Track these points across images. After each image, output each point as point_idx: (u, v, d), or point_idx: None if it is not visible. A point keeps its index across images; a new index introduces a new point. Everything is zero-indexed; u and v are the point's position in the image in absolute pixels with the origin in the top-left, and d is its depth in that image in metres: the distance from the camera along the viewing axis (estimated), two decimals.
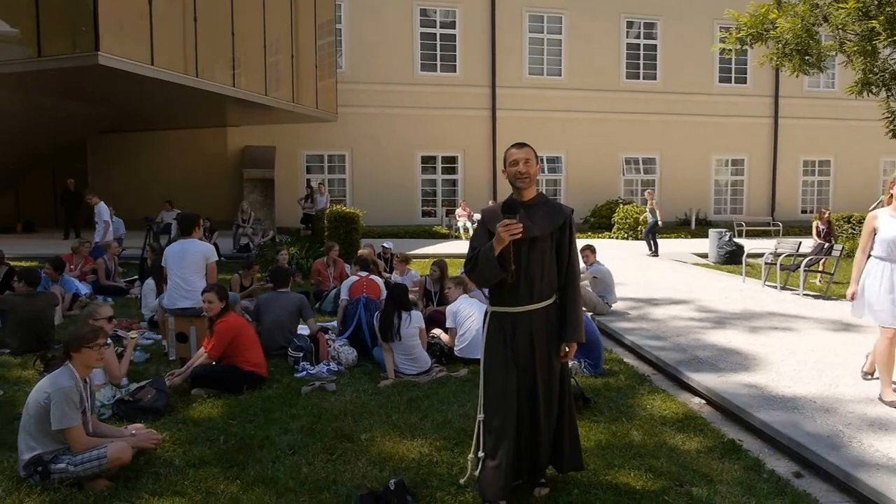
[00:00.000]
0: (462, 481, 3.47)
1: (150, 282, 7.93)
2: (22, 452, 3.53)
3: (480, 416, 3.30)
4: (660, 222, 16.18)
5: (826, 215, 12.40)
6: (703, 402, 5.19)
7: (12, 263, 9.23)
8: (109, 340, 4.47)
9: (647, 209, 16.21)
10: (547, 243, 3.26)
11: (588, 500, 3.45)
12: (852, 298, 5.06)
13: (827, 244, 10.56)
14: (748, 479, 3.75)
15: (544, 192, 19.06)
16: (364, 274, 7.31)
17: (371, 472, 3.77)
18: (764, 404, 4.76)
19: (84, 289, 8.93)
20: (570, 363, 5.74)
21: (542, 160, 22.54)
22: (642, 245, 16.69)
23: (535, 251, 3.23)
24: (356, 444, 4.20)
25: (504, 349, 3.27)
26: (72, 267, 9.84)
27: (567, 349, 3.36)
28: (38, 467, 3.46)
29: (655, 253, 15.70)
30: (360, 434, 4.35)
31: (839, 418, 4.47)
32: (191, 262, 5.84)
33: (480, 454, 3.28)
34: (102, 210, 11.09)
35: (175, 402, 4.86)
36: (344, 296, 7.13)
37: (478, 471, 3.29)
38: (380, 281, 7.37)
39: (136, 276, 10.64)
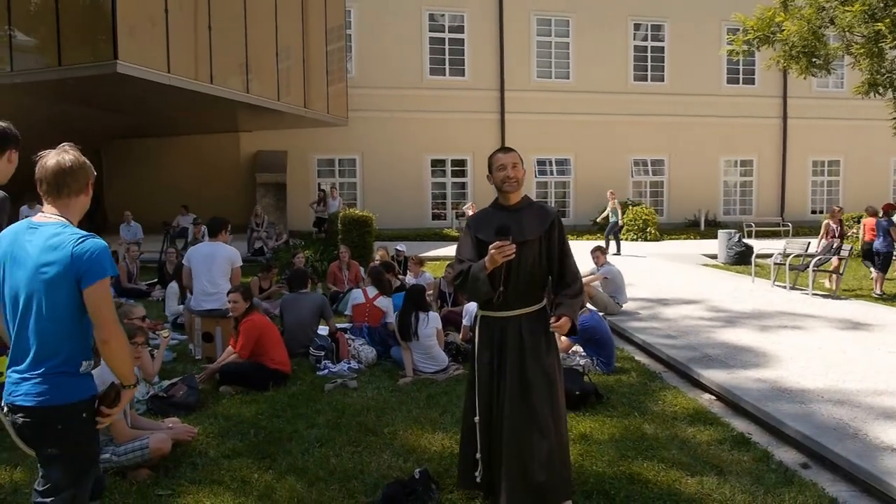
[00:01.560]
0: (478, 479, 3.35)
1: (173, 285, 8.16)
2: None
3: (477, 419, 3.31)
4: (620, 222, 16.44)
5: (839, 213, 12.32)
6: (714, 398, 5.36)
7: None
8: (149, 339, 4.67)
9: (609, 209, 16.47)
10: (536, 246, 3.26)
11: (603, 488, 3.62)
12: None
13: (836, 243, 10.63)
14: (757, 470, 3.91)
15: (553, 194, 18.97)
16: (372, 294, 6.95)
17: (396, 462, 3.96)
18: (773, 399, 4.92)
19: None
20: (584, 361, 5.95)
21: (550, 163, 22.74)
22: (652, 246, 16.75)
23: (525, 255, 3.20)
24: (380, 437, 4.39)
25: (492, 355, 3.27)
26: None
27: (557, 322, 3.20)
28: None
29: (618, 252, 15.94)
30: (383, 428, 4.54)
31: (846, 411, 4.63)
32: (218, 265, 6.06)
33: (478, 455, 3.31)
34: None
35: (205, 399, 5.08)
36: (347, 311, 7.19)
37: (478, 471, 3.33)
38: (387, 304, 6.94)
39: (156, 280, 10.88)
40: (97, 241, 2.28)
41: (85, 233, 2.30)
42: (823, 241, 11.75)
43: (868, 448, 3.97)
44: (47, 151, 2.37)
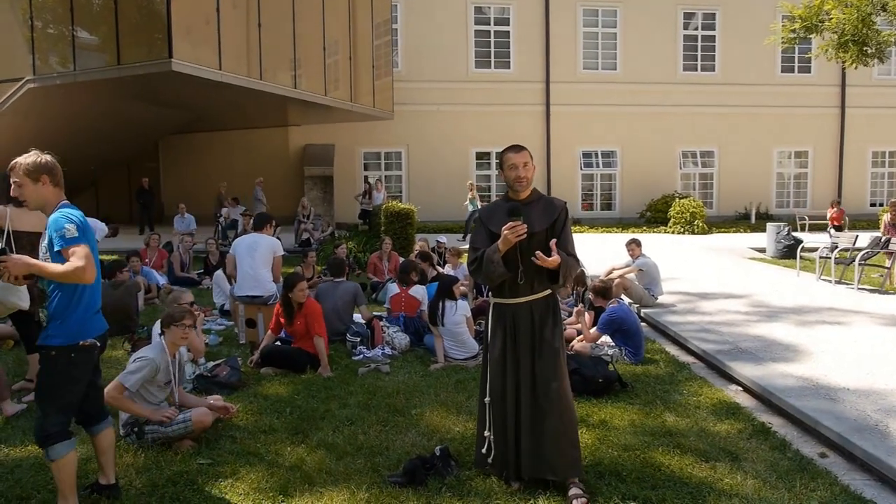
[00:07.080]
0: (490, 460, 3.57)
1: (220, 273, 8.60)
2: (121, 415, 4.09)
3: (487, 399, 3.54)
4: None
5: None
6: (740, 388, 5.39)
7: None
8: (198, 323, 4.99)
9: (468, 199, 17.50)
10: (545, 237, 3.42)
11: (616, 469, 3.76)
12: None
13: (885, 238, 10.32)
14: (773, 458, 3.97)
15: (599, 187, 18.99)
16: (404, 287, 7.20)
17: (420, 441, 4.18)
18: (798, 391, 4.93)
19: (161, 279, 9.69)
20: (612, 351, 6.05)
21: (596, 155, 22.57)
22: (699, 239, 16.52)
23: (534, 245, 3.36)
24: (407, 417, 4.62)
25: (504, 339, 3.48)
26: (146, 260, 10.52)
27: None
28: (134, 428, 4.02)
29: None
30: (411, 409, 4.77)
31: (870, 405, 4.62)
32: (260, 254, 6.41)
33: (487, 433, 3.52)
34: None
35: (247, 379, 5.41)
36: (386, 304, 7.49)
37: (485, 448, 3.53)
38: (421, 293, 7.20)
39: (202, 269, 11.35)
40: None
41: None
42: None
43: (886, 440, 3.98)
44: None
